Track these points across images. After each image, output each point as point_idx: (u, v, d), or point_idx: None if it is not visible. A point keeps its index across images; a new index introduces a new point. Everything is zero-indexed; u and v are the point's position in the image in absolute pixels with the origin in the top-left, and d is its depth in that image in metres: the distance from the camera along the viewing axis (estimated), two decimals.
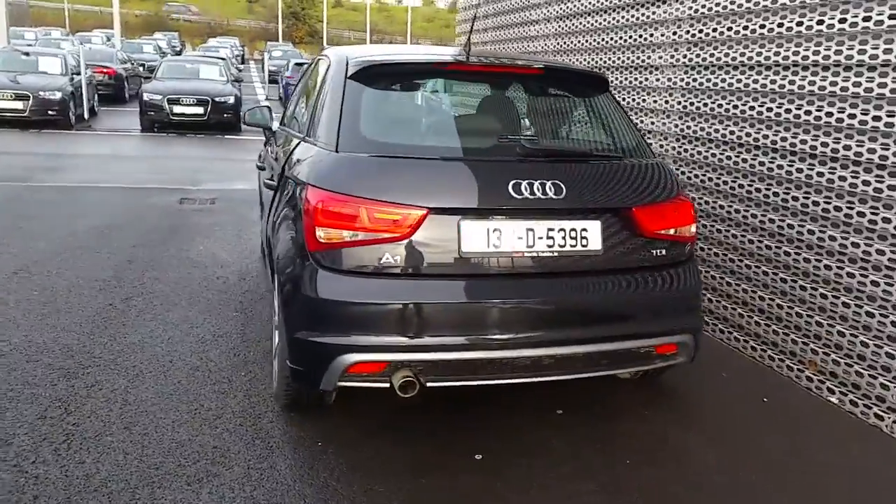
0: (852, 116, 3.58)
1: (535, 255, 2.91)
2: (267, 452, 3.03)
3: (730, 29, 4.49)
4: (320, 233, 2.85)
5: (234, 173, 10.30)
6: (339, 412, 3.35)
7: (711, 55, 4.66)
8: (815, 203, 3.81)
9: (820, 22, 3.78)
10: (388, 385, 2.87)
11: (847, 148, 3.61)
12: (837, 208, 3.67)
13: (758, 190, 4.24)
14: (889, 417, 3.36)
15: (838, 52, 3.66)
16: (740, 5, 4.39)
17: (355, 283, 2.83)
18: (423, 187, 2.85)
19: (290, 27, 50.81)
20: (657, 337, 3.10)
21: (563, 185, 2.93)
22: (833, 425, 3.53)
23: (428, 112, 3.43)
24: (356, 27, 54.24)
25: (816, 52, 3.80)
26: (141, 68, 23.68)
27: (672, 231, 3.13)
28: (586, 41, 6.47)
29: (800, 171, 3.92)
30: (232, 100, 15.07)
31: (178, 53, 32.28)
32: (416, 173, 2.91)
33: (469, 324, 2.86)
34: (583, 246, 2.96)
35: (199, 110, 14.54)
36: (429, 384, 2.87)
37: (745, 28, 4.34)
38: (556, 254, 2.93)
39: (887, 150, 3.39)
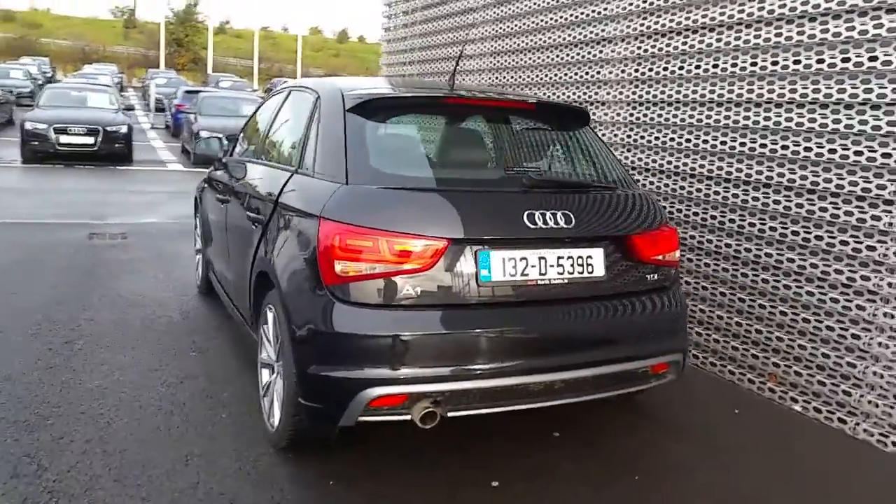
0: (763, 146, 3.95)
1: (547, 282, 3.01)
2: (279, 496, 2.92)
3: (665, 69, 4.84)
4: (339, 266, 2.82)
5: (138, 206, 9.83)
6: (340, 449, 3.28)
7: (649, 93, 5.00)
8: (751, 224, 4.16)
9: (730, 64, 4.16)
10: (408, 417, 2.86)
11: (781, 175, 3.97)
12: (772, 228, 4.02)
13: (695, 214, 4.59)
14: (852, 420, 3.67)
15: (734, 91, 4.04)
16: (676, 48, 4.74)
17: (375, 316, 2.82)
18: (441, 218, 2.89)
19: (172, 54, 49.13)
20: (654, 357, 3.26)
21: (571, 215, 3.06)
22: (802, 431, 3.82)
23: (429, 144, 3.48)
24: (241, 55, 53.24)
25: (731, 91, 4.18)
26: (10, 94, 22.18)
27: (662, 256, 3.32)
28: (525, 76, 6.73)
29: (735, 195, 4.28)
30: (125, 129, 14.41)
31: (50, 80, 30.42)
32: (434, 205, 2.95)
33: (488, 352, 2.91)
34: (588, 273, 3.09)
35: (89, 140, 13.79)
36: (449, 414, 2.89)
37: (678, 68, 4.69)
38: (566, 281, 3.05)
39: (842, 179, 3.76)
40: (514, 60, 6.90)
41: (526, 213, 2.98)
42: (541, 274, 3.00)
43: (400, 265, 2.81)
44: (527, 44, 6.65)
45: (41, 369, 4.05)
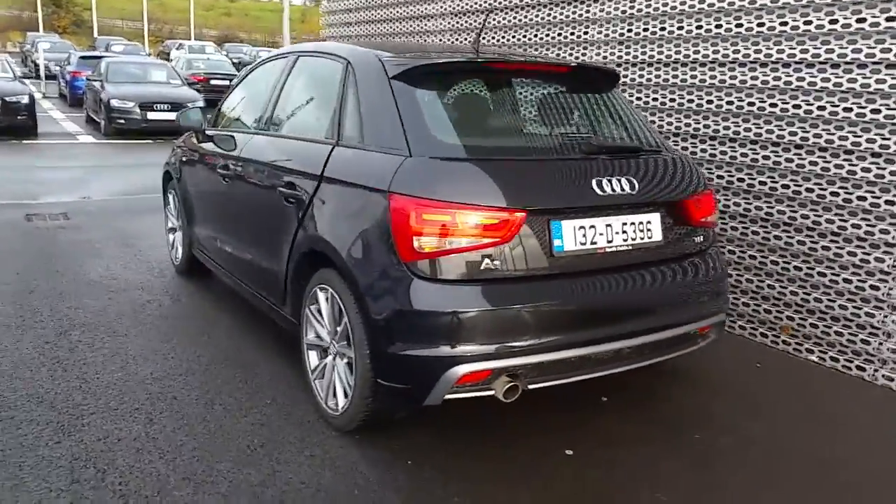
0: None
1: (613, 250, 3.06)
2: (363, 480, 2.89)
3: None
4: (417, 243, 2.78)
5: (66, 183, 9.25)
6: (408, 428, 3.26)
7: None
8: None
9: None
10: (490, 393, 2.88)
11: (793, 133, 4.18)
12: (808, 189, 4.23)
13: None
14: (870, 367, 3.96)
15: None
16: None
17: (458, 292, 2.80)
18: (516, 189, 2.88)
19: (49, 15, 45.64)
20: (705, 318, 3.38)
21: (634, 181, 3.11)
22: (824, 380, 4.08)
23: (480, 111, 3.41)
24: (127, 16, 50.09)
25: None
26: None
27: (705, 219, 3.44)
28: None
29: (744, 154, 4.47)
30: (26, 99, 13.41)
31: None
32: (508, 175, 2.92)
33: (566, 323, 2.94)
34: (649, 238, 3.16)
35: None
36: (530, 386, 2.92)
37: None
38: (630, 247, 3.11)
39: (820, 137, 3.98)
40: (501, 20, 6.86)
41: (595, 181, 3.02)
42: (608, 241, 3.05)
43: (479, 238, 2.79)
44: (512, 3, 6.62)
45: (48, 365, 3.81)
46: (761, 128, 4.41)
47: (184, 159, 5.13)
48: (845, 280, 4.04)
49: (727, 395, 3.83)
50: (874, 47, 3.80)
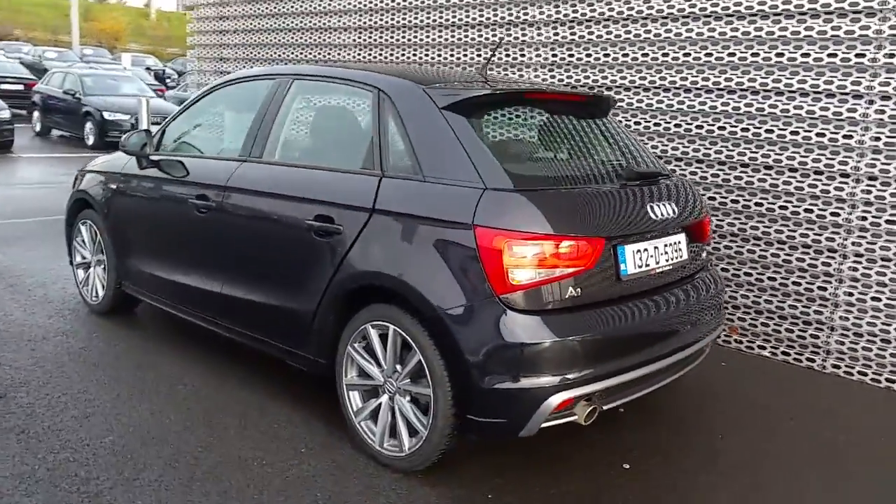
0: None
1: (660, 270, 3.26)
2: None
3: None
4: (512, 274, 2.78)
5: None
6: (457, 462, 3.21)
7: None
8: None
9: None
10: (573, 419, 2.95)
11: (742, 153, 4.68)
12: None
13: None
14: (819, 358, 4.52)
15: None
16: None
17: (550, 322, 2.83)
18: (592, 217, 2.99)
19: None
20: (716, 330, 3.68)
21: (675, 204, 3.34)
22: (782, 372, 4.57)
23: (531, 142, 3.42)
24: None
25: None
26: None
27: (708, 237, 3.75)
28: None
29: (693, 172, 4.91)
30: None
31: None
32: (582, 204, 3.01)
33: (635, 344, 3.09)
34: (680, 258, 3.40)
35: None
36: (604, 407, 3.03)
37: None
38: (670, 266, 3.33)
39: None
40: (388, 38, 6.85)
41: (649, 206, 3.20)
42: (656, 263, 3.25)
43: (567, 268, 2.86)
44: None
45: (15, 439, 3.27)
46: (709, 148, 4.86)
47: (114, 187, 4.60)
48: (794, 283, 4.58)
49: (719, 397, 4.16)
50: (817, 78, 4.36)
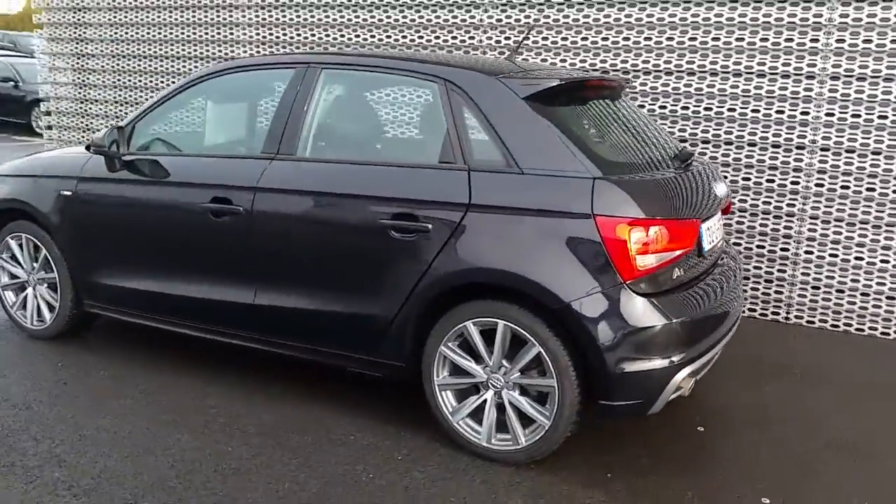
0: None
1: (714, 245, 3.50)
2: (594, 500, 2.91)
3: None
4: (639, 261, 2.88)
5: None
6: (566, 455, 3.25)
7: None
8: None
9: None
10: (679, 393, 3.11)
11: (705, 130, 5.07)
12: None
13: None
14: (782, 311, 5.06)
15: None
16: None
17: (671, 303, 3.00)
18: (688, 200, 3.16)
19: None
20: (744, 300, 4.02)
21: (721, 182, 3.59)
22: (752, 328, 5.03)
23: (606, 129, 3.44)
24: None
25: None
26: None
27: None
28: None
29: None
30: None
31: None
32: (679, 188, 3.17)
33: (718, 317, 3.30)
34: (720, 235, 3.66)
35: None
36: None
37: None
38: (720, 243, 3.59)
39: None
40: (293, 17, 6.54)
41: (710, 185, 3.42)
42: (717, 239, 3.50)
43: (676, 249, 3.02)
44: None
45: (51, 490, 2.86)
46: (671, 127, 5.21)
47: (70, 193, 4.04)
48: (758, 245, 5.07)
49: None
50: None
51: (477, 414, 3.19)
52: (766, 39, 4.86)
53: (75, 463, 3.07)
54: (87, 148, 4.25)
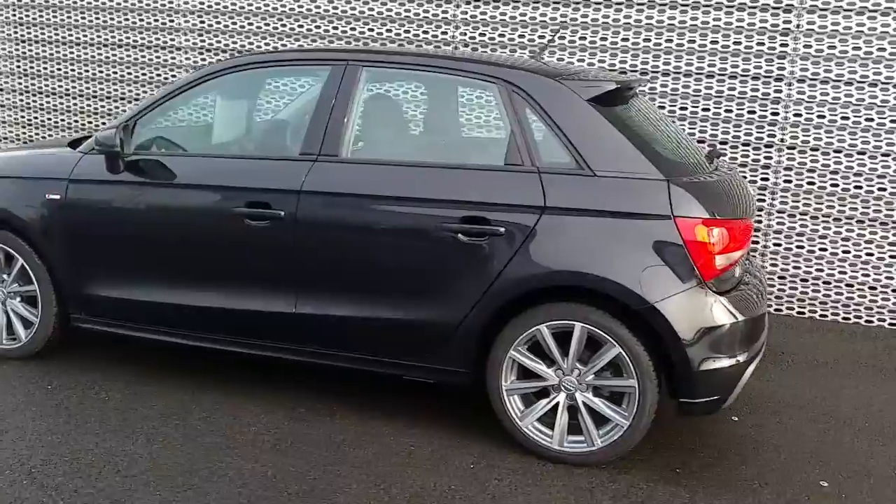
0: None
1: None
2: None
3: None
4: (718, 260, 2.96)
5: None
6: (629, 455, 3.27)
7: None
8: None
9: None
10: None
11: None
12: None
13: None
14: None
15: None
16: None
17: (740, 300, 3.11)
18: (741, 200, 3.27)
19: None
20: None
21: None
22: None
23: (642, 129, 3.45)
24: None
25: None
26: None
27: None
28: None
29: None
30: None
31: None
32: (734, 188, 3.27)
33: (763, 315, 3.41)
34: None
35: None
36: None
37: None
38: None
39: None
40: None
41: (746, 185, 3.56)
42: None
43: (738, 250, 3.13)
44: None
45: None
46: None
47: (59, 197, 3.64)
48: None
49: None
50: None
51: (545, 418, 3.16)
52: (739, 43, 5.11)
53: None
54: (71, 146, 3.84)
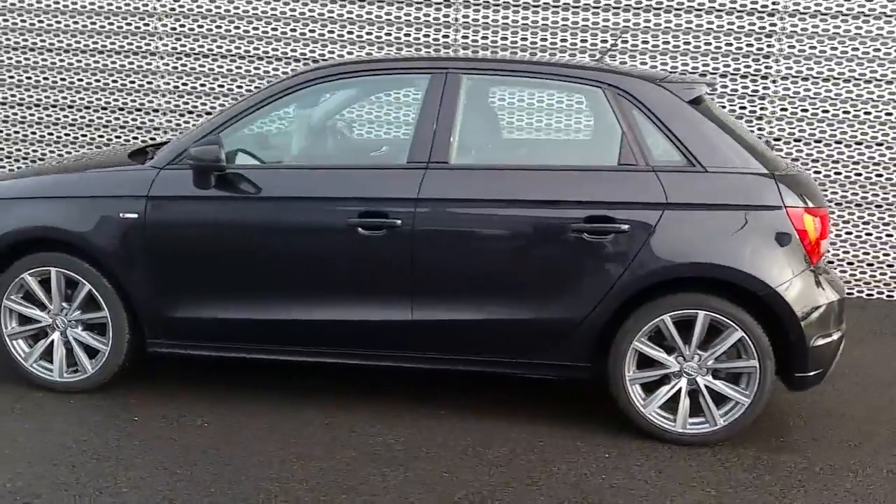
0: None
1: None
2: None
3: None
4: (823, 245, 3.25)
5: None
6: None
7: None
8: None
9: None
10: None
11: None
12: None
13: None
14: None
15: None
16: None
17: (832, 281, 3.41)
18: (818, 190, 3.56)
19: None
20: None
21: None
22: None
23: (730, 127, 3.61)
24: None
25: None
26: None
27: None
28: None
29: None
30: None
31: None
32: (810, 180, 3.55)
33: None
34: None
35: None
36: None
37: None
38: None
39: None
40: None
41: None
42: None
43: (828, 235, 3.42)
44: None
45: None
46: None
47: (155, 215, 3.43)
48: None
49: None
50: None
51: (666, 404, 3.33)
52: (731, 44, 5.49)
53: None
54: (133, 157, 3.64)
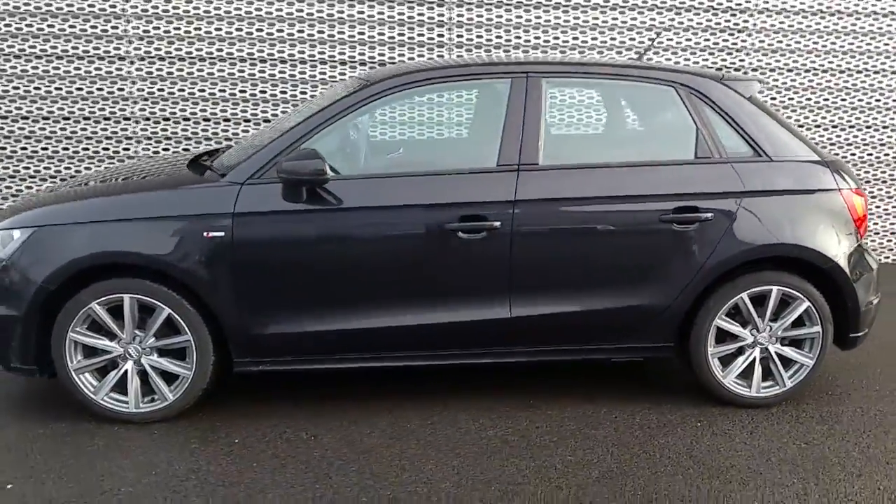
0: None
1: None
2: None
3: None
4: (867, 224, 3.65)
5: None
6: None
7: None
8: None
9: None
10: None
11: None
12: None
13: None
14: None
15: None
16: None
17: (869, 251, 3.83)
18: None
19: None
20: None
21: None
22: None
23: (782, 119, 3.85)
24: None
25: None
26: None
27: None
28: None
29: None
30: None
31: None
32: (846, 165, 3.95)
33: None
34: None
35: None
36: None
37: None
38: None
39: None
40: None
41: None
42: None
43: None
44: None
45: None
46: None
47: (243, 232, 3.33)
48: None
49: None
50: None
51: (744, 372, 3.65)
52: (709, 40, 5.91)
53: None
54: (202, 172, 3.56)
